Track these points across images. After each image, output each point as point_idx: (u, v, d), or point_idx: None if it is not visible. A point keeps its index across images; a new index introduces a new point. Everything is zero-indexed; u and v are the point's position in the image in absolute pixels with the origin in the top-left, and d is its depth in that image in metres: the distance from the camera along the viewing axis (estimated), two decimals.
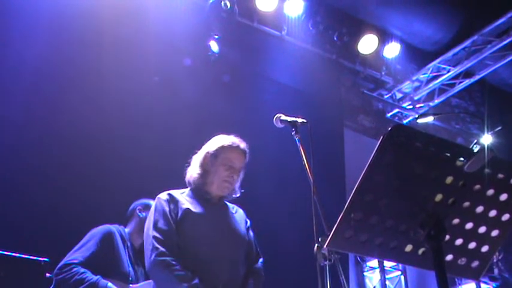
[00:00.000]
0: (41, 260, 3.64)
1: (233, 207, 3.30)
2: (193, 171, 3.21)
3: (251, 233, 3.27)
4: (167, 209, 3.03)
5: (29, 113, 5.19)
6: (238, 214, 3.28)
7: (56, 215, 4.78)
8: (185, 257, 2.90)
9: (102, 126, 5.39)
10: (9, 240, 4.05)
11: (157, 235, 2.93)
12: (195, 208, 3.06)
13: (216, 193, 3.17)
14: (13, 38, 5.34)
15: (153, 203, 4.30)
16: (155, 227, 2.97)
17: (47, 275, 3.73)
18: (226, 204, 3.27)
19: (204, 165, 3.18)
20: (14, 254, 3.61)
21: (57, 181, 4.98)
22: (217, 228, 3.06)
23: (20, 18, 5.44)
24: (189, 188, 3.24)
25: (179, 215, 3.02)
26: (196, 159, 3.24)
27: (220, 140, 3.23)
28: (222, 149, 3.19)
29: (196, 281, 2.79)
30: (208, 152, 3.20)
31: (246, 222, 3.30)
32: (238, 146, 3.20)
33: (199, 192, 3.17)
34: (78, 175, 5.11)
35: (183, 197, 3.14)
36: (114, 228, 4.04)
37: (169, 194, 3.12)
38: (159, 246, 2.89)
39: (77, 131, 5.29)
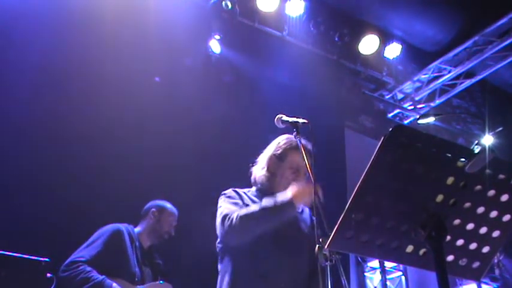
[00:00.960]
0: (41, 260, 3.63)
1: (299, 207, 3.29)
2: (259, 172, 3.21)
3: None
4: (235, 196, 3.07)
5: (30, 112, 5.19)
6: (304, 213, 3.28)
7: (56, 215, 4.78)
8: (248, 255, 2.90)
9: (103, 126, 5.39)
10: (9, 240, 4.05)
11: (227, 210, 2.94)
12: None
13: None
14: (14, 39, 5.34)
15: (168, 205, 4.34)
16: (223, 209, 2.98)
17: (48, 275, 3.73)
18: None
19: (270, 168, 3.17)
20: (14, 254, 3.61)
21: (58, 181, 4.97)
22: (283, 227, 3.01)
23: (21, 18, 5.44)
24: (254, 188, 3.24)
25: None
26: (262, 160, 3.24)
27: (286, 142, 3.21)
28: (288, 151, 3.17)
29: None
30: (274, 154, 3.19)
31: (312, 220, 3.26)
32: (305, 148, 3.13)
33: (265, 192, 3.14)
34: (79, 175, 5.11)
35: (248, 195, 3.15)
36: (123, 227, 4.04)
37: (234, 190, 3.14)
38: (228, 213, 2.91)
39: (76, 131, 5.29)
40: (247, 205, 3.02)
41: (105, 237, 3.90)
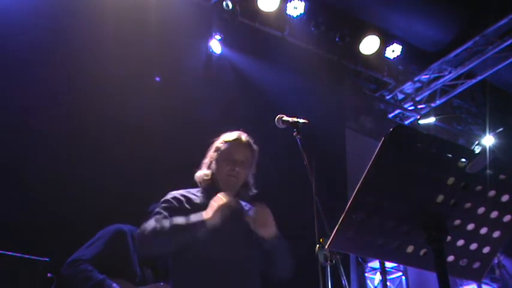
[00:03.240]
0: (41, 260, 3.64)
1: (246, 205, 3.17)
2: (200, 172, 3.17)
3: None
4: (172, 202, 2.97)
5: (30, 112, 5.20)
6: (251, 210, 3.14)
7: (56, 215, 4.78)
8: (196, 260, 2.83)
9: (103, 126, 5.39)
10: (9, 240, 4.05)
11: (147, 223, 2.84)
12: (205, 207, 2.93)
13: (225, 191, 3.02)
14: (14, 39, 5.34)
15: None
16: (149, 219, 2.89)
17: (48, 275, 3.74)
18: (239, 202, 3.14)
19: (208, 165, 3.16)
20: (14, 254, 3.61)
21: (58, 181, 4.98)
22: (227, 228, 2.87)
23: (21, 18, 5.44)
24: (200, 188, 3.16)
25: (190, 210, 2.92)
26: (204, 161, 3.22)
27: (223, 136, 3.19)
28: (223, 144, 3.15)
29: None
30: (210, 151, 3.18)
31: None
32: (238, 139, 3.14)
33: (208, 189, 3.07)
34: (79, 175, 5.11)
35: (193, 195, 3.07)
36: (126, 228, 4.05)
37: (178, 194, 3.04)
38: (144, 226, 2.82)
39: (77, 131, 5.29)
40: (186, 209, 2.92)
41: (108, 237, 3.92)
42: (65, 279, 3.71)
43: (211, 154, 3.17)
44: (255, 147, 3.18)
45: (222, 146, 3.13)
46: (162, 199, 3.05)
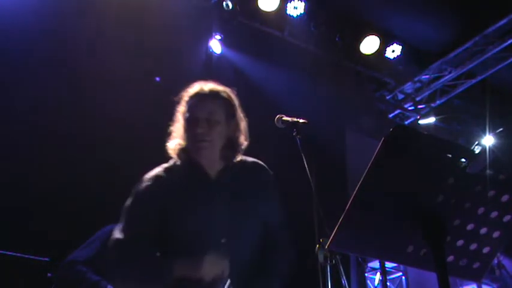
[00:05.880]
0: (41, 260, 3.64)
1: (244, 169, 2.53)
2: (172, 143, 2.59)
3: (271, 203, 2.58)
4: (147, 193, 2.45)
5: (30, 113, 5.19)
6: (251, 180, 2.52)
7: (56, 215, 4.78)
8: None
9: (103, 127, 5.39)
10: (9, 240, 4.05)
11: (118, 234, 2.40)
12: (181, 193, 2.43)
13: (202, 161, 2.45)
14: (14, 39, 5.34)
15: None
16: (122, 219, 2.46)
17: (48, 274, 3.74)
18: (231, 171, 2.50)
19: (176, 133, 2.57)
20: (14, 254, 3.61)
21: (58, 181, 4.98)
22: (212, 221, 2.38)
23: (21, 18, 5.44)
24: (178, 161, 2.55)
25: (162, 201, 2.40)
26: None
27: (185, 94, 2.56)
28: (184, 103, 2.55)
29: None
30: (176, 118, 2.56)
31: (264, 185, 2.57)
32: (198, 93, 2.52)
33: (185, 162, 2.51)
34: (79, 176, 5.11)
35: (174, 174, 2.51)
36: None
37: (153, 178, 2.52)
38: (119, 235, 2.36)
39: (76, 132, 5.29)
40: (168, 189, 2.41)
41: (103, 239, 3.90)
42: (60, 281, 3.70)
43: (175, 121, 2.56)
44: (225, 94, 2.60)
45: (183, 106, 2.52)
46: (139, 183, 2.54)
